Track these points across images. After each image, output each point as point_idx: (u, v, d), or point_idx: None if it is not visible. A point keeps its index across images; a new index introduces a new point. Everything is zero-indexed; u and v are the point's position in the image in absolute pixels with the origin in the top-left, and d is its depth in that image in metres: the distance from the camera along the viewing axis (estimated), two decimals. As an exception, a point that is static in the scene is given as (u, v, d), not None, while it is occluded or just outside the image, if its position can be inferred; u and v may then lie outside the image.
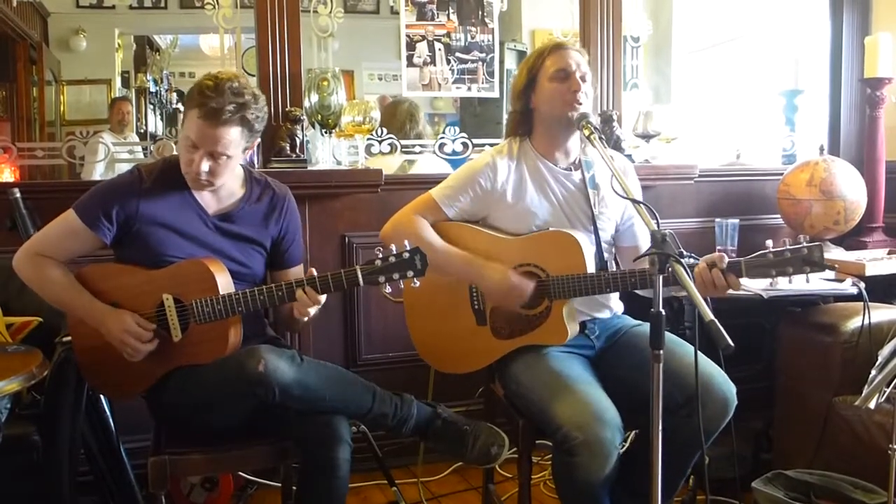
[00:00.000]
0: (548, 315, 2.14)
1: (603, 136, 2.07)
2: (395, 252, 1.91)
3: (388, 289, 1.97)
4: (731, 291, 1.95)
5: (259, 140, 3.02)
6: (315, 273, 1.96)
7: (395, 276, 1.91)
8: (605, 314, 2.28)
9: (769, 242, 1.93)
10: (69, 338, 2.15)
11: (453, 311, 2.25)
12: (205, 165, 2.00)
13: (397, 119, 3.56)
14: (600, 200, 2.23)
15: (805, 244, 1.88)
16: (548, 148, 2.23)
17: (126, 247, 2.08)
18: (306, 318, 2.03)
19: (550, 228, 2.19)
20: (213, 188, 2.09)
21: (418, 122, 3.63)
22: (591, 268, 2.10)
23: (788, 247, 1.89)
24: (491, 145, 2.99)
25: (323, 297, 1.98)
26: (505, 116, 5.58)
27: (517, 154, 2.24)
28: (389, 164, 3.20)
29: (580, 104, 2.12)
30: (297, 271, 2.26)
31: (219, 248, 2.10)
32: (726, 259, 1.94)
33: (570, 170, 2.24)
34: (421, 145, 3.33)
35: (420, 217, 2.22)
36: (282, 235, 2.21)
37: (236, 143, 2.01)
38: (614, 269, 2.32)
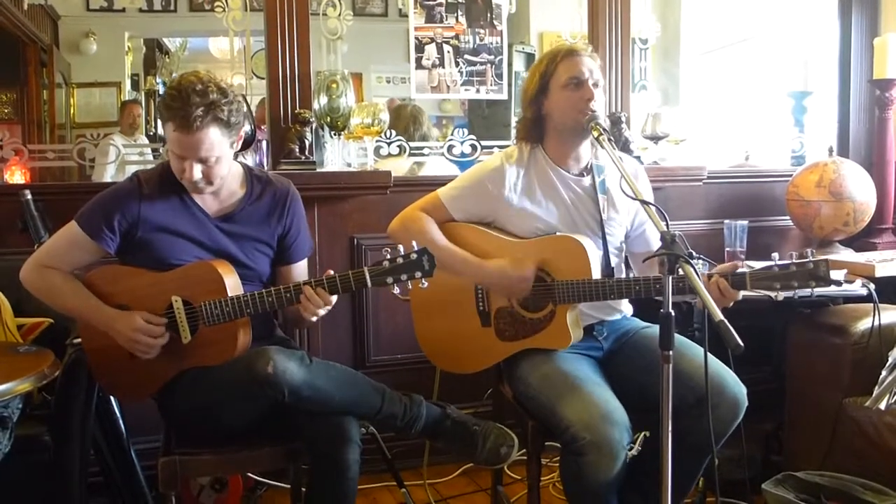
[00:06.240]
0: (552, 319, 2.14)
1: (612, 138, 2.06)
2: (402, 253, 1.91)
3: (397, 290, 1.97)
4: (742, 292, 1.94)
5: (265, 141, 3.06)
6: (332, 273, 1.96)
7: (403, 276, 1.91)
8: (613, 316, 2.28)
9: (775, 255, 1.91)
10: (80, 339, 2.16)
11: (459, 312, 2.26)
12: (197, 172, 1.99)
13: (401, 121, 3.60)
14: (609, 205, 2.23)
15: (811, 259, 1.86)
16: (560, 154, 2.23)
17: (130, 254, 2.09)
18: (314, 318, 2.02)
19: (557, 233, 2.19)
20: (213, 189, 2.07)
21: (422, 124, 3.67)
22: (596, 273, 2.09)
23: (794, 260, 1.87)
24: (499, 147, 2.99)
25: (334, 298, 1.98)
26: (513, 119, 5.64)
27: (527, 159, 2.24)
28: (399, 167, 3.21)
29: (593, 111, 2.11)
30: (301, 266, 2.26)
31: (222, 248, 2.11)
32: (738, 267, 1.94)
33: (582, 175, 2.24)
34: (429, 147, 3.33)
35: (426, 215, 2.23)
36: (286, 231, 2.20)
37: (219, 143, 1.98)
38: (622, 274, 2.31)
